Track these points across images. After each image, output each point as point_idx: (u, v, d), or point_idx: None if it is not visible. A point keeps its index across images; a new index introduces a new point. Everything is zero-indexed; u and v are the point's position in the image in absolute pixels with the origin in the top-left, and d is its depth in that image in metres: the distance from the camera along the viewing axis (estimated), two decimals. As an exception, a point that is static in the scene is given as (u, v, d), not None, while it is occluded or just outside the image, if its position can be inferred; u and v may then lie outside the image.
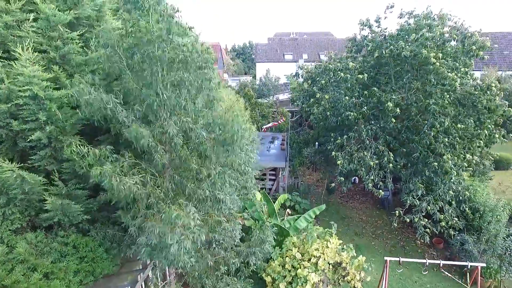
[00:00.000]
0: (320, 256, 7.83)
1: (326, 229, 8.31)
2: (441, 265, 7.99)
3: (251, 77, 40.76)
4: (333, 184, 12.52)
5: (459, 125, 10.79)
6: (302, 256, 8.09)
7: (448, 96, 10.59)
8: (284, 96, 25.33)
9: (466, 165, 10.95)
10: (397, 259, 7.95)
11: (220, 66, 49.28)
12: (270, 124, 16.03)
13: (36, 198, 5.80)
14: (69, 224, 6.33)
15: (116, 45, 5.41)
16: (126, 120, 5.51)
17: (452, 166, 10.48)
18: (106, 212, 6.95)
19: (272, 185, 14.77)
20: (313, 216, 10.04)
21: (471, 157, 10.93)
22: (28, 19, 5.99)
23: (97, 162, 5.54)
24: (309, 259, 7.92)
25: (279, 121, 16.14)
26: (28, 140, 5.92)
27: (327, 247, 8.04)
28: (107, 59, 5.59)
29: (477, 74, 18.68)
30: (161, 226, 5.28)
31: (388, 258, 7.89)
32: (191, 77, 5.50)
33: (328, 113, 12.46)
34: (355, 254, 8.10)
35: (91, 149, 5.60)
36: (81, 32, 6.56)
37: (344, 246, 8.16)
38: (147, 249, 5.72)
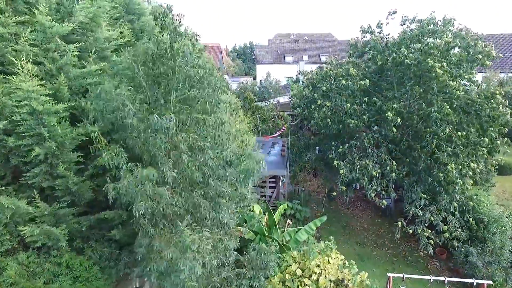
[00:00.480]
0: (321, 273, 7.62)
1: (326, 244, 8.09)
2: (446, 282, 7.78)
3: (252, 78, 40.55)
4: (334, 193, 12.30)
5: (459, 133, 10.54)
6: (302, 272, 7.87)
7: (448, 106, 10.34)
8: (284, 99, 25.12)
9: (471, 173, 10.73)
10: (400, 275, 7.75)
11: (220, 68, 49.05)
12: (276, 134, 15.94)
13: (21, 220, 5.59)
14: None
15: (138, 57, 5.61)
16: (135, 126, 5.49)
17: (457, 175, 10.27)
18: (98, 230, 6.75)
19: (272, 192, 14.54)
20: (314, 228, 9.83)
21: (475, 165, 10.70)
22: (25, 33, 5.77)
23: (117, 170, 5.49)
24: (310, 276, 7.71)
25: (281, 129, 16.01)
26: (30, 156, 5.75)
27: (329, 262, 7.84)
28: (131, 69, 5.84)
29: (479, 76, 18.46)
30: (173, 251, 5.18)
31: (391, 275, 7.69)
32: (206, 96, 5.71)
33: (329, 120, 12.27)
34: (357, 270, 7.88)
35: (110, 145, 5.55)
36: (76, 45, 6.34)
37: (346, 262, 7.95)
38: (155, 273, 5.54)
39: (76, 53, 6.21)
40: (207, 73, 5.52)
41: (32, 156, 5.77)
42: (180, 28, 5.78)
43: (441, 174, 10.31)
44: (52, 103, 5.78)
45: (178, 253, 5.17)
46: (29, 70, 5.56)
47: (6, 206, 5.10)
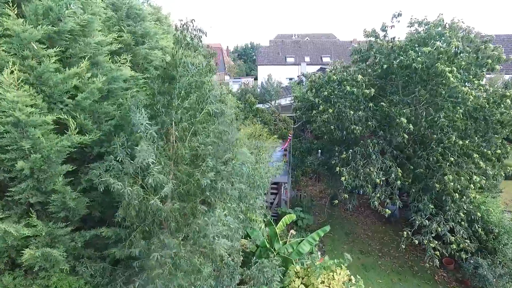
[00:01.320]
0: (325, 290, 7.26)
1: (334, 261, 7.73)
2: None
3: (253, 79, 40.17)
4: (336, 201, 11.93)
5: (460, 142, 10.12)
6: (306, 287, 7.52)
7: (461, 111, 9.95)
8: (286, 101, 24.76)
9: (473, 187, 10.32)
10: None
11: (221, 68, 48.74)
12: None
13: (16, 242, 5.25)
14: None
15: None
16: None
17: (458, 187, 9.89)
18: (92, 246, 6.39)
19: (274, 199, 14.18)
20: (317, 239, 9.44)
21: (477, 178, 10.23)
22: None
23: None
24: (314, 292, 7.35)
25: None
26: (15, 171, 5.39)
27: (334, 278, 7.47)
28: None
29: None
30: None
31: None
32: (207, 105, 5.62)
33: (332, 127, 11.89)
34: (363, 287, 7.51)
35: None
36: (62, 49, 5.90)
37: (352, 278, 7.57)
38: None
39: (55, 58, 5.73)
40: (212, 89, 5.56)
41: (17, 171, 5.42)
42: (198, 40, 5.77)
43: (438, 185, 9.98)
44: (38, 114, 5.41)
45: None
46: (14, 79, 5.18)
47: (11, 231, 4.78)
